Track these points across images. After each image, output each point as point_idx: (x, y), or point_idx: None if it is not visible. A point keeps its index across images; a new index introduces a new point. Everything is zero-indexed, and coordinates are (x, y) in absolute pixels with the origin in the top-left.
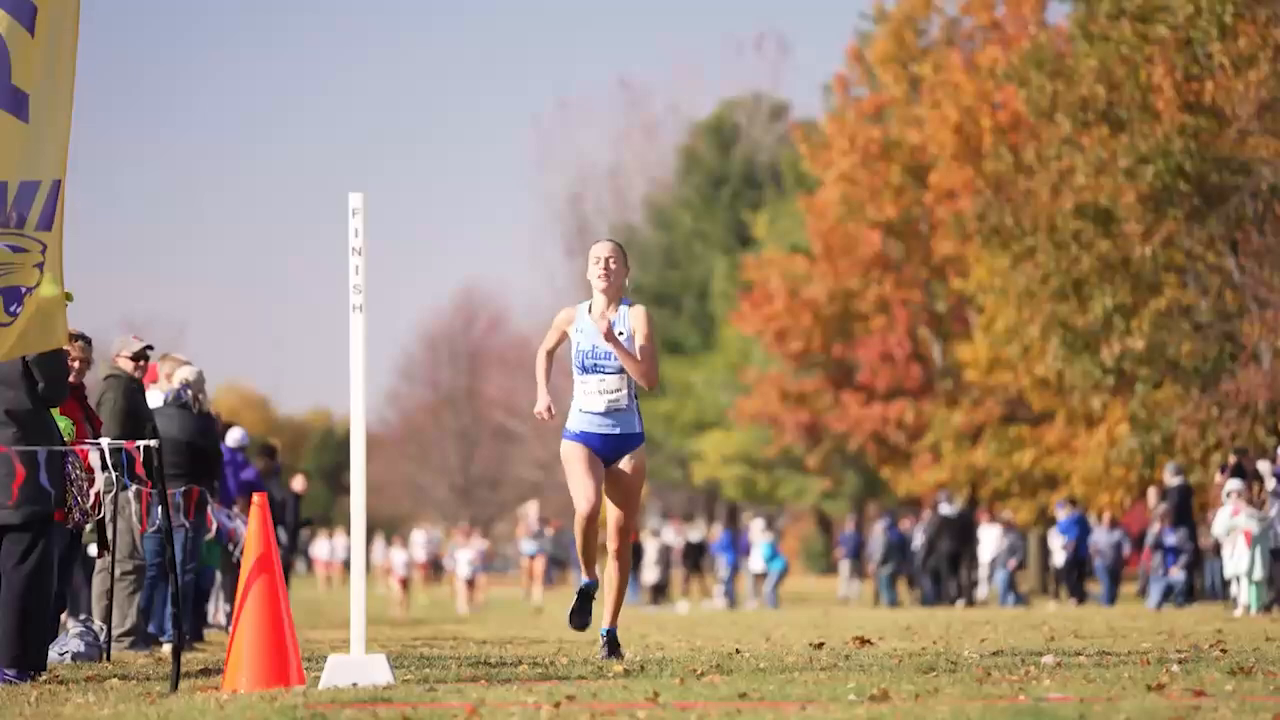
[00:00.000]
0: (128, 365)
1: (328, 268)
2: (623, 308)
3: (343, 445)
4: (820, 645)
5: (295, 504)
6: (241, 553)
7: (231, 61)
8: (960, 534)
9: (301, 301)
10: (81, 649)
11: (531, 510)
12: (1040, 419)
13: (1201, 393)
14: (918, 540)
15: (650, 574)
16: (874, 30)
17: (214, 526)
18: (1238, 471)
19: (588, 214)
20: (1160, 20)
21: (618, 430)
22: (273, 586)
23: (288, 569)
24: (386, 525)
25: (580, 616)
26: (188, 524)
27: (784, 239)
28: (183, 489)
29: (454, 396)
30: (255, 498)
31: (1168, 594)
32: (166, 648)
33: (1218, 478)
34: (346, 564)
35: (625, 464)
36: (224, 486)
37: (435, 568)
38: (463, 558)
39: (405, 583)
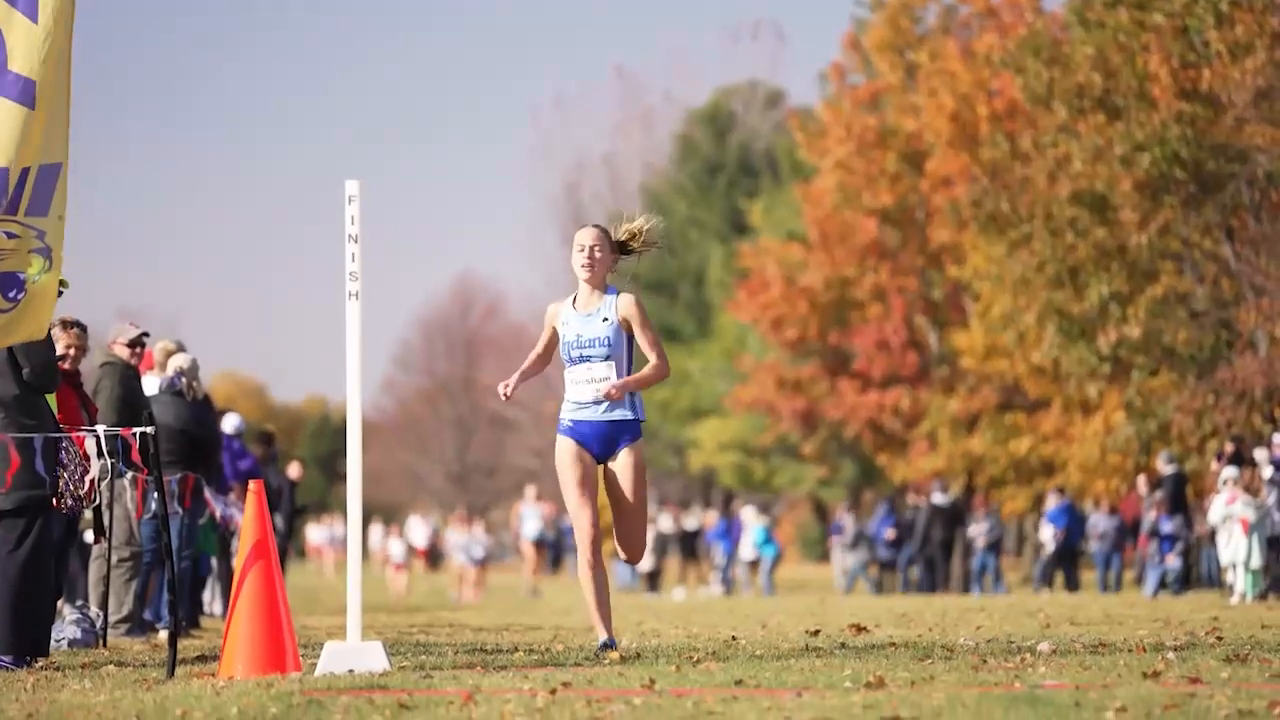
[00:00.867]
0: (124, 352)
1: (324, 256)
2: (609, 296)
3: (339, 433)
4: (816, 633)
5: (291, 491)
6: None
7: (228, 51)
8: (952, 523)
9: (298, 289)
10: (78, 635)
11: (530, 495)
12: (1036, 406)
13: (1198, 380)
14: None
15: (645, 561)
16: (870, 18)
17: (214, 512)
18: (1234, 459)
19: (584, 202)
20: (1157, 7)
21: (612, 415)
22: (269, 573)
23: (284, 556)
24: (383, 512)
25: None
26: (182, 510)
27: (780, 227)
28: (178, 476)
29: (450, 384)
30: (251, 485)
31: (1163, 582)
32: (163, 634)
33: (1214, 465)
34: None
35: (622, 464)
36: (223, 473)
37: (434, 556)
38: (462, 545)
39: (402, 569)
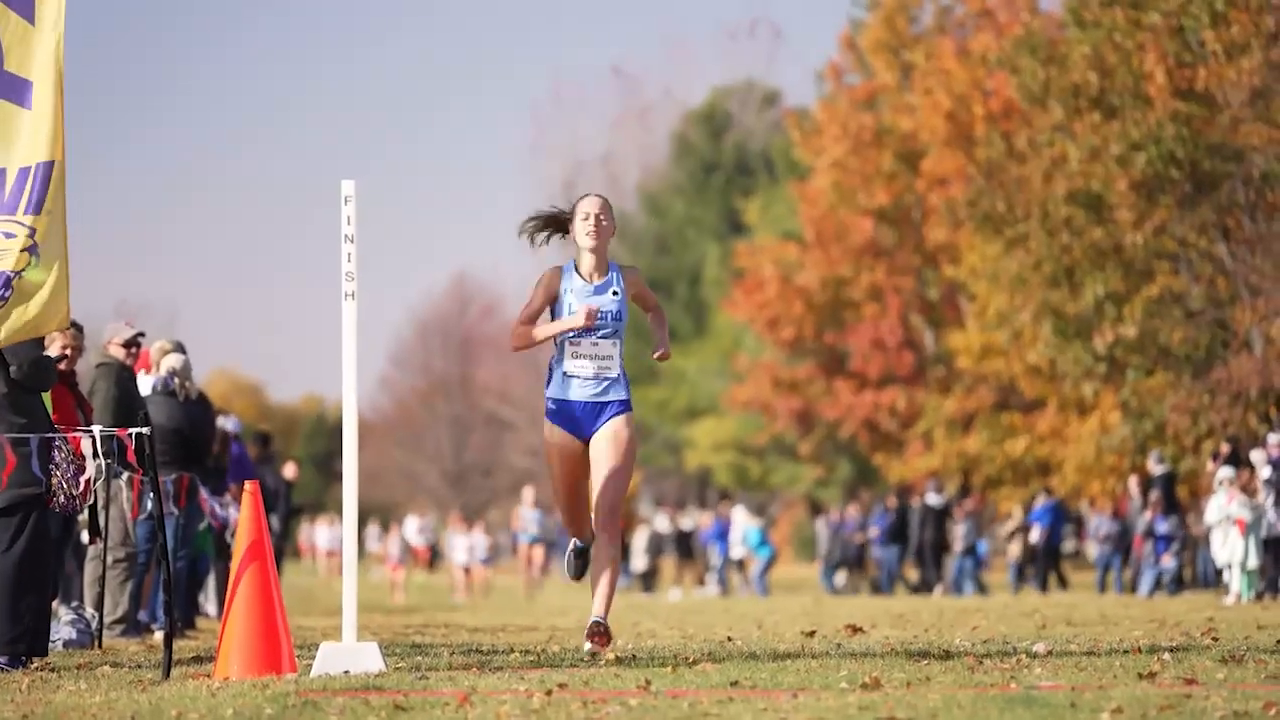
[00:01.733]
0: (119, 352)
1: (320, 255)
2: (613, 271)
3: (335, 432)
4: (812, 633)
5: (287, 492)
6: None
7: (224, 48)
8: (944, 523)
9: (294, 288)
10: (73, 636)
11: (528, 496)
12: (1032, 406)
13: (1193, 380)
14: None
15: (640, 561)
16: (866, 17)
17: (209, 512)
18: (1230, 460)
19: None
20: (1152, 7)
21: (602, 397)
22: (265, 574)
23: (280, 556)
24: (379, 512)
25: (574, 566)
26: (178, 511)
27: (776, 226)
28: (173, 476)
29: (447, 384)
30: (247, 485)
31: (1159, 582)
32: (158, 635)
33: (1210, 466)
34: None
35: (608, 433)
36: (230, 472)
37: (432, 556)
38: (461, 546)
39: (400, 569)
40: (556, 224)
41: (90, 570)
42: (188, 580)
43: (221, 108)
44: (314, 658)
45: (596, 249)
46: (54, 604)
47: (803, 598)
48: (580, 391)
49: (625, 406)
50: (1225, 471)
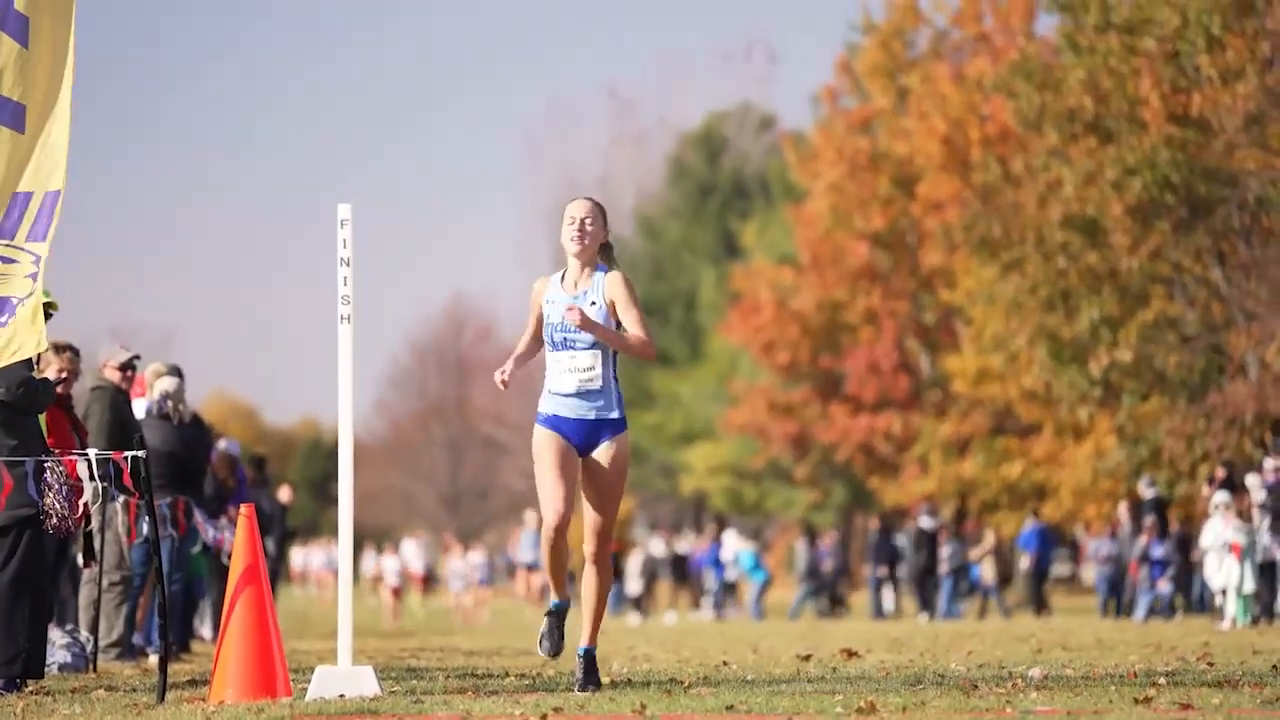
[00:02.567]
0: (115, 375)
1: (316, 277)
2: (597, 275)
3: (331, 455)
4: (808, 657)
5: (283, 515)
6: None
7: (220, 69)
8: (936, 548)
9: (289, 311)
10: (68, 660)
11: (531, 519)
12: (1028, 430)
13: (1189, 405)
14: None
15: (635, 585)
16: (862, 41)
17: (205, 534)
18: (1226, 484)
19: None
20: (1148, 32)
21: (592, 415)
22: (260, 597)
23: (275, 580)
24: (375, 535)
25: (551, 639)
26: (175, 534)
27: (772, 249)
28: (168, 500)
29: (442, 406)
30: (242, 508)
31: (1154, 607)
32: (153, 659)
33: (1205, 490)
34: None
35: (602, 454)
36: (235, 496)
37: (428, 580)
38: (461, 572)
39: (398, 592)
40: None
41: (85, 594)
42: (182, 604)
43: (217, 130)
44: (309, 681)
45: (581, 254)
46: (48, 627)
47: (799, 622)
48: (569, 409)
49: (619, 427)
50: (1221, 496)
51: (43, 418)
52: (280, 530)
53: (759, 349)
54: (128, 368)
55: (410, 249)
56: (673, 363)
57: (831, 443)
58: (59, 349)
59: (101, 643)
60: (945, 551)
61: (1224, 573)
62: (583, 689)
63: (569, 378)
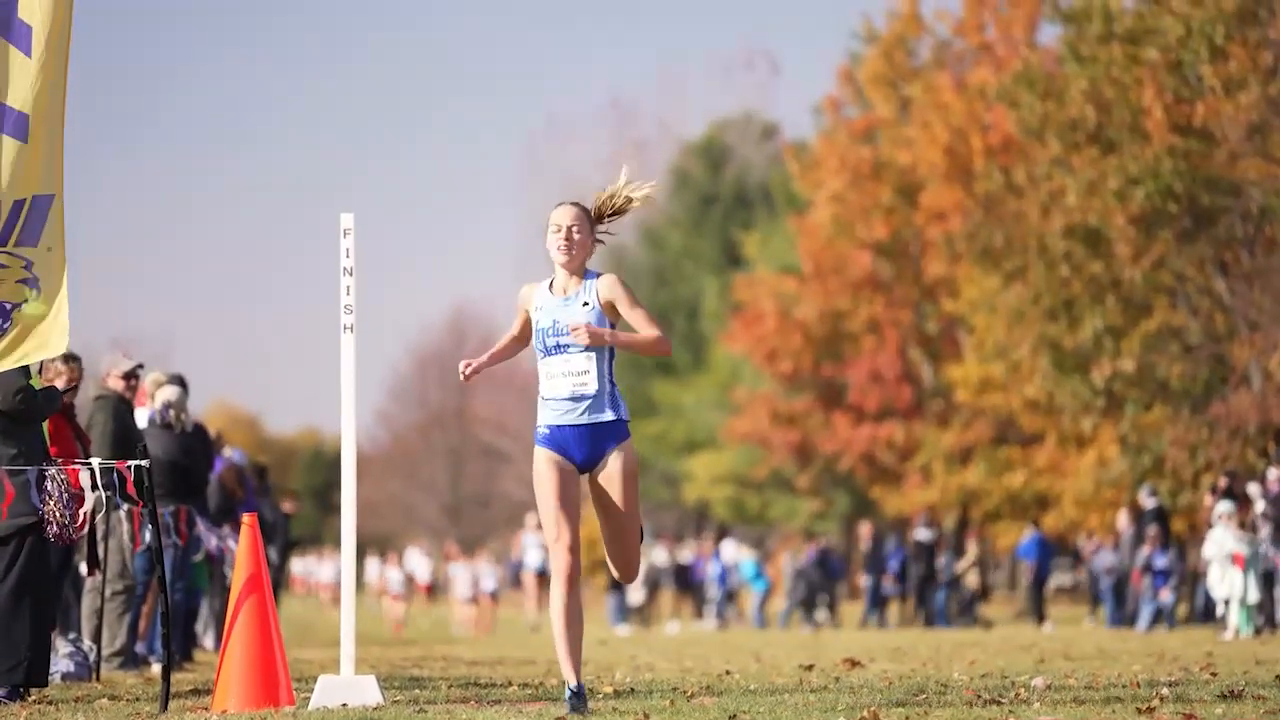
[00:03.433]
0: (118, 384)
1: (317, 286)
2: (588, 281)
3: (332, 465)
4: (810, 667)
5: (285, 524)
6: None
7: (221, 77)
8: (933, 558)
9: (290, 320)
10: (71, 669)
11: (531, 523)
12: (1031, 440)
13: (1191, 415)
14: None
15: (637, 595)
16: (864, 50)
17: (210, 544)
18: (1228, 494)
19: None
20: (1150, 42)
21: (591, 419)
22: (263, 607)
23: (278, 589)
24: (376, 544)
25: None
26: (179, 542)
27: (774, 259)
28: (171, 509)
29: (443, 416)
30: (245, 518)
31: (1158, 616)
32: (156, 668)
33: (1208, 500)
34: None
35: (610, 470)
36: (244, 506)
37: (432, 589)
38: (464, 579)
39: (401, 599)
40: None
41: (88, 602)
42: (185, 613)
43: (218, 139)
44: (312, 690)
45: (568, 264)
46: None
47: (800, 631)
48: (565, 416)
49: (623, 433)
50: (1224, 506)
51: (45, 426)
52: (283, 539)
53: (761, 358)
54: (131, 377)
55: (411, 259)
56: (675, 372)
57: (834, 452)
58: (66, 358)
59: (104, 652)
60: (942, 562)
61: (1227, 583)
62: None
63: (563, 382)
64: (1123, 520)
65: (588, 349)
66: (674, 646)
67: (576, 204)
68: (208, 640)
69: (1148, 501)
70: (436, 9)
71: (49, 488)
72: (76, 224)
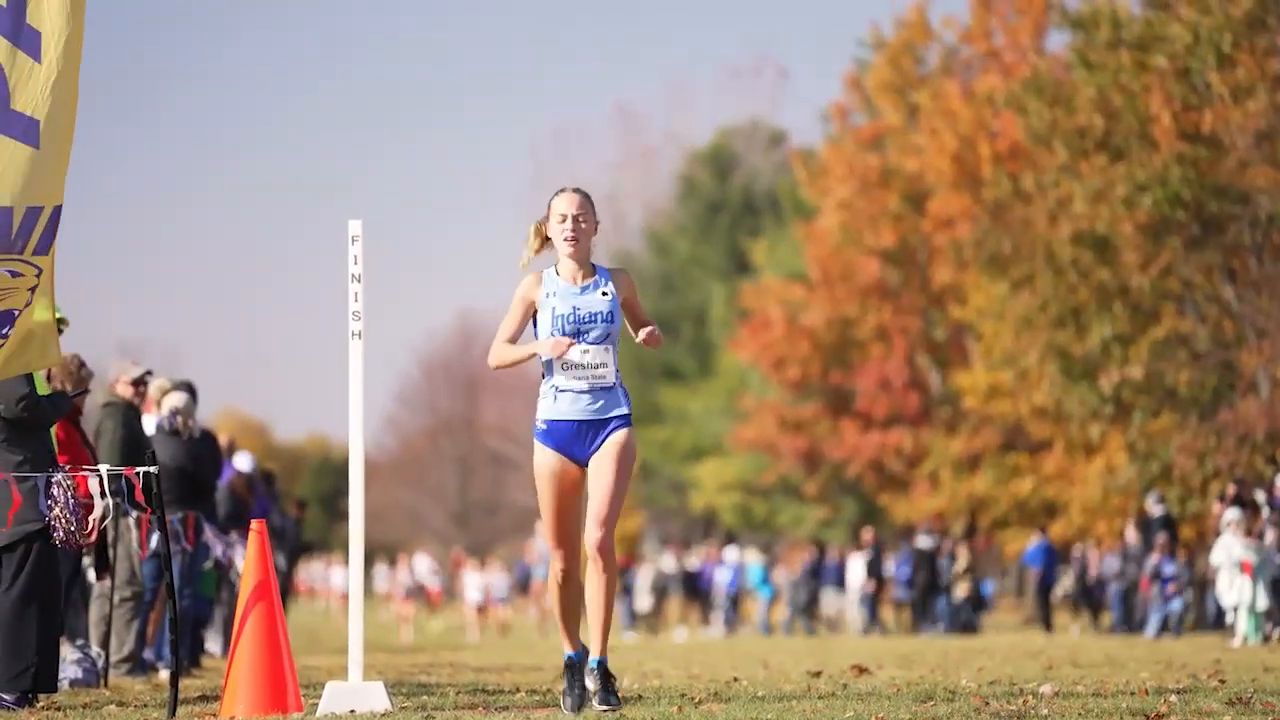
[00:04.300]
0: (127, 391)
1: (325, 293)
2: (600, 273)
3: (340, 471)
4: (818, 674)
5: (296, 530)
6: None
7: (229, 85)
8: (935, 565)
9: (298, 327)
10: (79, 675)
11: (540, 527)
12: (1038, 447)
13: (1199, 422)
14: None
15: (645, 601)
16: (872, 58)
17: (217, 550)
18: (1236, 501)
19: None
20: (1158, 50)
21: (599, 414)
22: (271, 613)
23: (286, 595)
24: (384, 551)
25: (573, 694)
26: (187, 548)
27: (782, 266)
28: (179, 515)
29: (452, 422)
30: (254, 524)
31: (1165, 623)
32: (164, 674)
33: (1216, 508)
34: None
35: (607, 444)
36: (255, 512)
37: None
38: (475, 585)
39: (410, 603)
40: (544, 237)
41: (96, 609)
42: (193, 619)
43: (228, 147)
44: (320, 697)
45: (575, 253)
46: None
47: (808, 637)
48: (575, 409)
49: (625, 421)
50: (1232, 513)
51: (54, 432)
52: (292, 545)
53: (769, 365)
54: (140, 383)
55: (419, 266)
56: (682, 379)
57: (842, 459)
58: (80, 364)
59: (113, 658)
60: (943, 568)
61: (1235, 590)
62: (604, 704)
63: (581, 372)
64: (1129, 528)
65: (604, 341)
66: (681, 653)
67: (579, 190)
68: (215, 646)
69: (1155, 509)
70: (443, 16)
71: (55, 493)
72: (85, 231)
